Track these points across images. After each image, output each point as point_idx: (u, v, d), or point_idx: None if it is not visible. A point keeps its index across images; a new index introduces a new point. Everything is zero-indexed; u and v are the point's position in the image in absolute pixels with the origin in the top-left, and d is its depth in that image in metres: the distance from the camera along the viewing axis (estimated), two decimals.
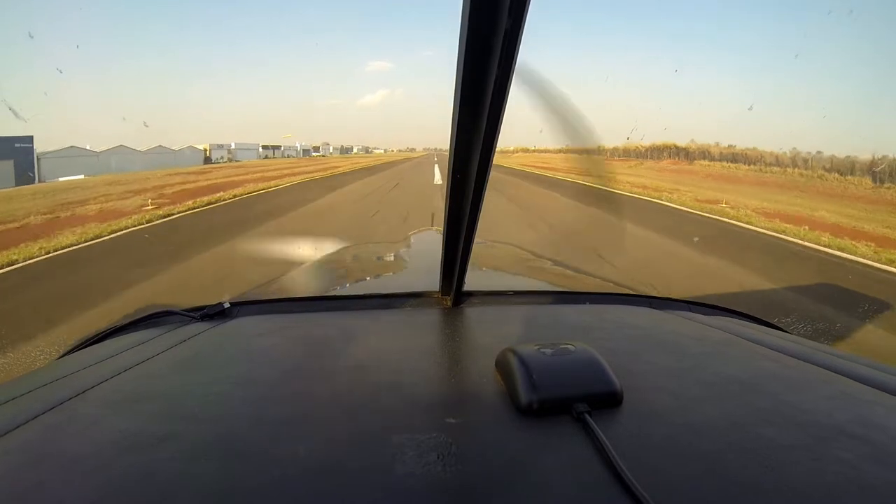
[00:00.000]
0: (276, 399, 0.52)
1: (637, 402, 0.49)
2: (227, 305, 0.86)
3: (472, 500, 0.37)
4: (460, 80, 0.46)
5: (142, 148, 37.20)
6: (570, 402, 0.47)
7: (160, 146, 38.69)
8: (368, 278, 1.38)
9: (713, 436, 0.44)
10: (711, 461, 0.40)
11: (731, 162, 24.59)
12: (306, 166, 27.34)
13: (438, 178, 16.47)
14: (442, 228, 0.71)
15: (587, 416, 0.45)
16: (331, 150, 75.36)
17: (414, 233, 1.93)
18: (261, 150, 55.19)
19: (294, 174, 19.65)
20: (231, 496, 0.36)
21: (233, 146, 49.81)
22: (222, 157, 45.83)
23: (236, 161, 45.66)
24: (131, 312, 0.94)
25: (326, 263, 1.70)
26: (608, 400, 0.48)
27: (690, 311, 0.93)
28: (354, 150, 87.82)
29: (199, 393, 0.55)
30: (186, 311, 0.86)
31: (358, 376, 0.58)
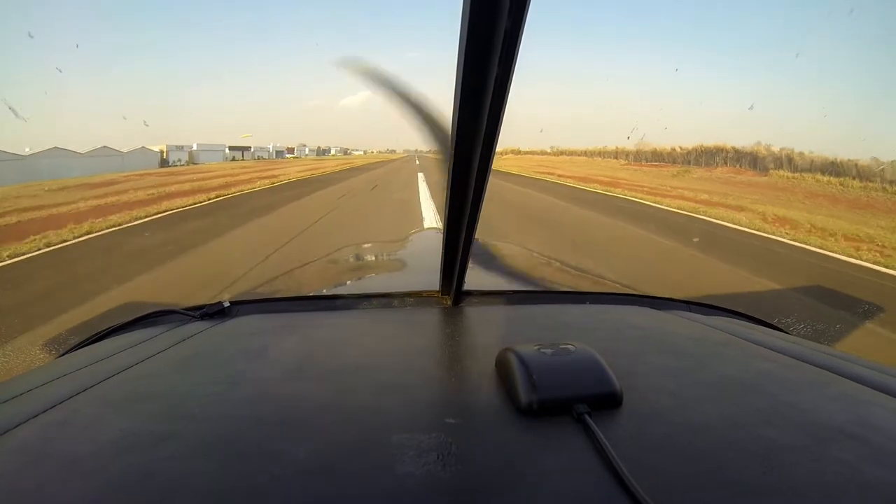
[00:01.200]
0: (276, 398, 0.52)
1: (637, 402, 0.49)
2: (226, 304, 0.85)
3: (472, 501, 0.37)
4: (460, 81, 0.46)
5: (83, 150, 32.15)
6: (570, 402, 0.47)
7: (105, 147, 33.89)
8: (368, 278, 1.37)
9: (713, 436, 0.44)
10: (711, 462, 0.40)
11: (833, 175, 17.32)
12: (248, 174, 21.46)
13: (428, 212, 8.33)
14: (442, 228, 0.70)
15: (587, 417, 0.45)
16: (307, 152, 71.00)
17: (414, 232, 1.87)
18: (227, 151, 50.47)
19: (205, 190, 12.86)
20: (230, 496, 0.36)
21: (194, 147, 45.00)
22: (179, 160, 41.07)
23: (196, 164, 40.98)
24: (131, 312, 0.91)
25: (326, 263, 1.68)
26: (608, 400, 0.48)
27: (690, 311, 0.92)
28: (332, 152, 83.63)
29: (199, 392, 0.54)
30: (186, 310, 0.85)
31: (357, 376, 0.58)
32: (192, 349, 0.69)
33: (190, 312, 0.84)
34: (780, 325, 0.92)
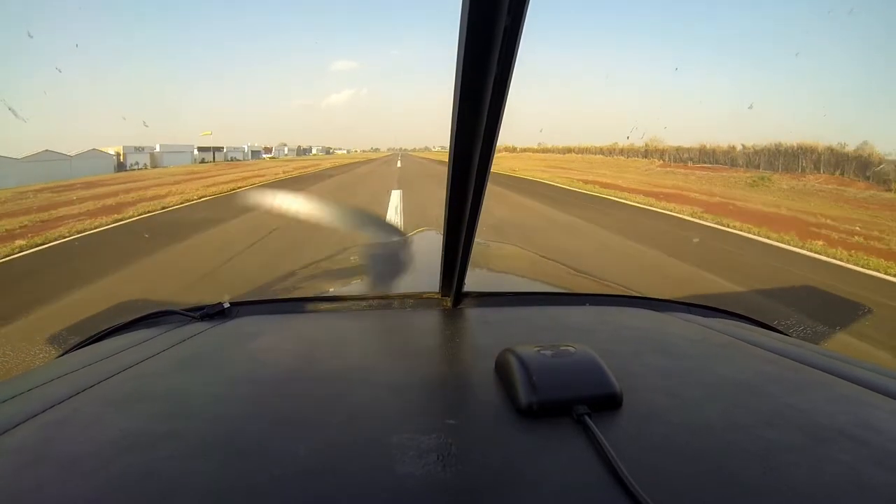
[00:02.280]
0: (276, 399, 0.52)
1: (637, 403, 0.49)
2: (226, 305, 0.85)
3: (472, 501, 0.37)
4: (460, 78, 0.46)
5: (19, 154, 27.20)
6: (570, 403, 0.47)
7: (47, 151, 28.90)
8: (368, 279, 1.37)
9: (713, 437, 0.44)
10: (711, 463, 0.40)
11: None
12: (145, 190, 14.06)
13: None
14: (442, 229, 0.70)
15: (587, 418, 0.45)
16: (286, 152, 66.29)
17: (414, 233, 1.86)
18: (196, 152, 45.52)
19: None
20: (231, 496, 0.36)
21: (157, 148, 40.00)
22: (137, 163, 36.13)
23: (158, 167, 36.25)
24: (131, 312, 0.90)
25: (326, 263, 1.68)
26: (608, 402, 0.48)
27: (690, 312, 0.92)
28: (314, 151, 79.07)
29: (199, 393, 0.55)
30: (186, 310, 0.85)
31: (357, 377, 0.58)
32: (192, 350, 0.69)
33: (190, 313, 0.83)
34: (778, 328, 0.92)
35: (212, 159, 45.92)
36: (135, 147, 37.34)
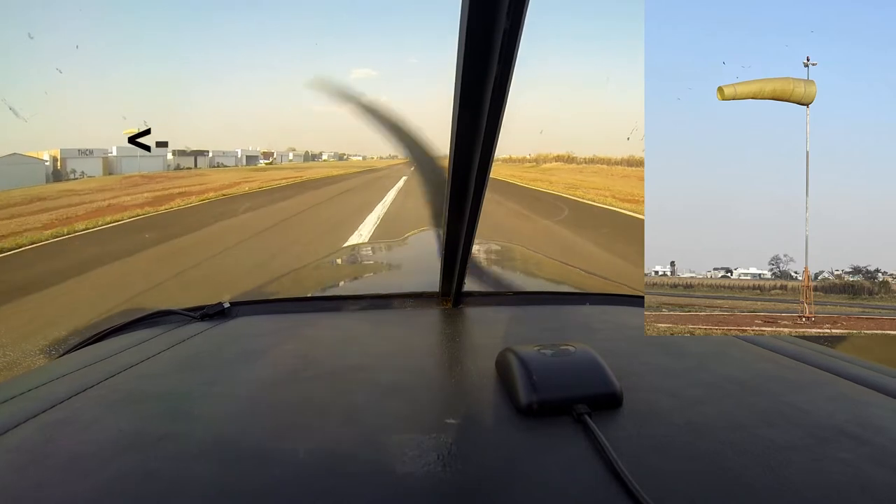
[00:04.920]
0: (276, 399, 0.53)
1: (637, 402, 0.50)
2: (226, 305, 0.85)
3: (472, 501, 0.37)
4: (460, 81, 0.47)
5: None
6: (571, 403, 0.47)
7: None
8: (368, 279, 1.37)
9: (713, 436, 0.45)
10: (711, 462, 0.40)
11: None
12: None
13: None
14: (442, 229, 0.70)
15: (587, 417, 0.45)
16: (290, 157, 57.64)
17: (414, 233, 1.86)
18: (170, 156, 36.46)
19: None
20: (230, 496, 0.36)
21: (113, 152, 30.87)
22: (74, 171, 27.08)
23: (119, 174, 27.27)
24: (131, 312, 0.91)
25: (326, 264, 1.67)
26: (608, 401, 0.48)
27: None
28: (324, 157, 70.67)
29: (199, 393, 0.55)
30: (186, 310, 0.85)
31: (358, 377, 0.58)
32: (192, 350, 0.69)
33: (190, 313, 0.83)
34: None
35: (192, 165, 37.06)
36: (79, 150, 28.39)
